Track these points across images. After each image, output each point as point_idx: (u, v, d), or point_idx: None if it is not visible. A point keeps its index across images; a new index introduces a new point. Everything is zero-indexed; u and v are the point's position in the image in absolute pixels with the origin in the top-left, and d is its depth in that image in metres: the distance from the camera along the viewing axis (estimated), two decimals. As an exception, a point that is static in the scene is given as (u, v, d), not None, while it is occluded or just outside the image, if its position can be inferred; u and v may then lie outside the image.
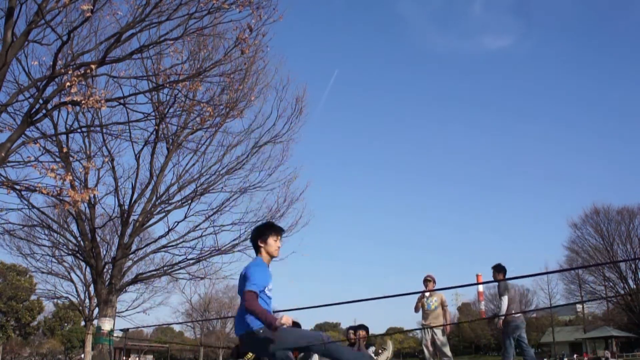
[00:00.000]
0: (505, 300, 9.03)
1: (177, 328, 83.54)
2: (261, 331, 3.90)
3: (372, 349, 9.13)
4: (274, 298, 4.16)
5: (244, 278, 4.03)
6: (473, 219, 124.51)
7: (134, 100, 10.82)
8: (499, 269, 9.35)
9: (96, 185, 14.62)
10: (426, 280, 9.64)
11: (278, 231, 4.29)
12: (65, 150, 12.78)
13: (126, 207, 14.73)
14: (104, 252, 18.00)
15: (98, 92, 9.46)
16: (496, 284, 11.18)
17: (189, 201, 14.89)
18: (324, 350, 4.01)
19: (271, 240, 4.22)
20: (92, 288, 27.20)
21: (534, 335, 68.13)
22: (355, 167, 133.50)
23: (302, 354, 8.10)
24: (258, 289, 3.93)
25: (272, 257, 4.25)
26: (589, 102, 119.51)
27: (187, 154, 15.33)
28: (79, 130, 13.65)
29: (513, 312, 8.96)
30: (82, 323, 41.94)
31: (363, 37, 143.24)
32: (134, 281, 16.17)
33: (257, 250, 4.25)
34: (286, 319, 3.78)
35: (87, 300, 32.37)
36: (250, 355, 8.22)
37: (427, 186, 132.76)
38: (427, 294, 9.52)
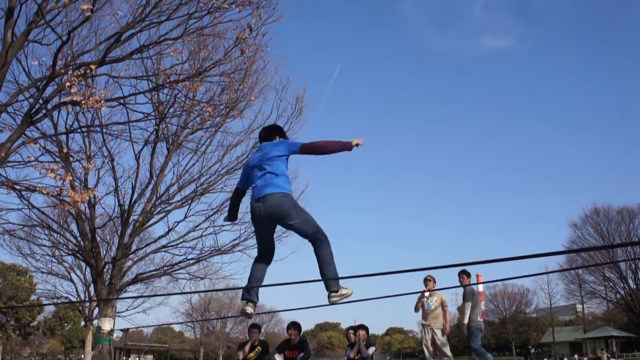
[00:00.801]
0: (468, 306, 9.39)
1: (177, 328, 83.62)
2: (292, 195, 4.10)
3: (372, 349, 9.13)
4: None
5: (282, 145, 4.20)
6: (473, 219, 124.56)
7: (134, 100, 10.82)
8: (468, 274, 9.60)
9: (96, 185, 14.64)
10: (426, 280, 9.63)
11: (285, 135, 4.53)
12: (65, 150, 12.78)
13: (126, 207, 14.73)
14: (104, 252, 18.00)
15: (98, 92, 9.47)
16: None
17: (189, 201, 14.90)
18: (323, 240, 4.07)
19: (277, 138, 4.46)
20: (92, 288, 27.21)
21: (534, 335, 68.16)
22: (355, 167, 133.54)
23: (301, 354, 8.11)
24: (300, 142, 4.22)
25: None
26: (589, 102, 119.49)
27: (187, 154, 15.36)
28: (79, 130, 13.65)
29: (478, 317, 9.42)
30: (82, 323, 41.92)
31: (363, 37, 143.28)
32: (134, 281, 16.16)
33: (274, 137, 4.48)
34: (359, 140, 4.05)
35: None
36: (255, 352, 8.24)
37: (427, 186, 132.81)
38: (427, 294, 9.51)
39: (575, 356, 56.58)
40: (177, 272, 15.91)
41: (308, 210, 4.13)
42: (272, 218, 4.01)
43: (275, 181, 4.03)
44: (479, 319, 9.45)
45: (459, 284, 9.81)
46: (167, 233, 14.87)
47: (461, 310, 10.98)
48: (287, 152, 4.16)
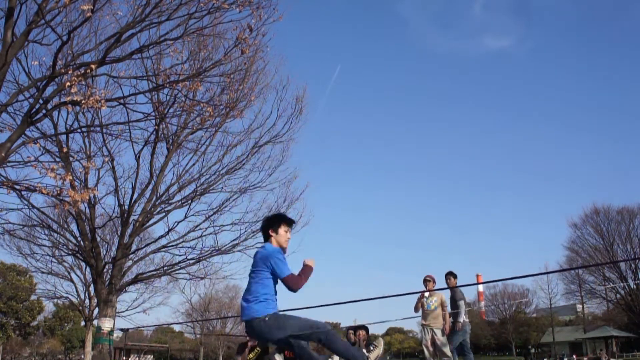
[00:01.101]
0: (463, 304, 9.49)
1: (177, 328, 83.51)
2: (267, 319, 3.98)
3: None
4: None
5: (268, 261, 4.07)
6: (473, 219, 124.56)
7: (134, 100, 10.81)
8: (455, 275, 9.78)
9: (96, 185, 14.63)
10: (426, 281, 9.64)
11: (289, 223, 4.32)
12: (65, 150, 12.77)
13: (126, 207, 14.72)
14: (104, 252, 17.99)
15: (98, 92, 9.46)
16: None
17: (189, 201, 14.89)
18: (324, 340, 4.05)
19: (282, 230, 4.24)
20: (92, 288, 27.21)
21: (534, 335, 68.09)
22: (355, 166, 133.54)
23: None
24: (289, 268, 4.10)
25: (281, 247, 4.25)
26: (589, 102, 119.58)
27: (187, 154, 15.35)
28: (79, 130, 13.65)
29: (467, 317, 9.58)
30: (82, 323, 41.90)
31: (363, 37, 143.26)
32: (134, 281, 16.16)
33: (267, 239, 4.28)
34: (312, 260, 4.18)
35: (87, 300, 32.39)
36: (254, 353, 8.23)
37: (427, 186, 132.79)
38: (426, 294, 9.53)
39: (574, 356, 56.54)
40: (177, 272, 15.90)
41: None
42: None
43: (250, 305, 4.05)
44: (467, 319, 9.63)
45: (459, 285, 9.88)
46: (167, 233, 14.87)
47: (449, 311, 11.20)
48: (268, 270, 4.07)
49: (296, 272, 4.09)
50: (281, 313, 4.08)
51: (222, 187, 15.23)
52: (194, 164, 15.22)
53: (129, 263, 16.15)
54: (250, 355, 8.23)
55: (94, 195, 14.09)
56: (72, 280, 30.92)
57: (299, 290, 4.03)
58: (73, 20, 10.88)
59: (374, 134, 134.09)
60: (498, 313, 73.23)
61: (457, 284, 9.84)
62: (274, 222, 4.28)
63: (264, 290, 4.04)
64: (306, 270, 4.11)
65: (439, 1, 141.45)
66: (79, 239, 15.10)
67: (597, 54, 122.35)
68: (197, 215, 15.10)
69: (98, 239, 15.40)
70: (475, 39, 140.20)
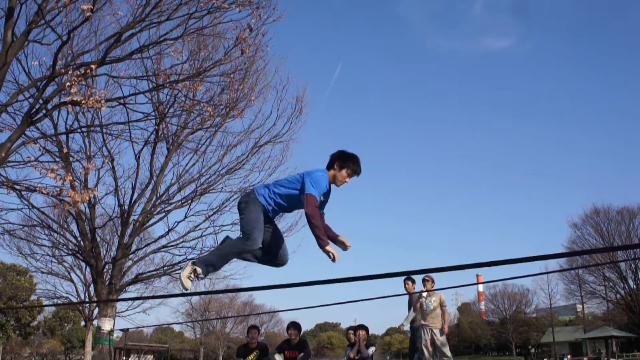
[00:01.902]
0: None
1: (177, 328, 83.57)
2: (247, 192, 4.07)
3: (372, 349, 9.14)
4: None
5: (305, 175, 3.97)
6: (473, 219, 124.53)
7: (134, 100, 10.82)
8: (413, 280, 9.81)
9: (96, 186, 14.63)
10: (424, 281, 9.64)
11: (355, 170, 4.16)
12: (65, 150, 12.77)
13: (126, 207, 14.73)
14: (104, 252, 17.99)
15: (98, 92, 9.46)
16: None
17: (189, 201, 14.89)
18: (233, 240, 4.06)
19: (344, 172, 4.11)
20: (92, 288, 27.19)
21: (534, 335, 68.10)
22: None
23: (301, 354, 8.11)
24: (318, 196, 3.91)
25: (332, 183, 4.16)
26: (588, 102, 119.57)
27: (187, 154, 15.35)
28: (79, 130, 13.65)
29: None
30: (82, 323, 41.91)
31: (364, 38, 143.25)
32: (134, 281, 16.16)
33: (329, 167, 4.17)
34: (337, 255, 3.81)
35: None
36: (254, 354, 8.24)
37: (426, 186, 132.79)
38: (424, 294, 9.52)
39: (568, 356, 56.54)
40: (177, 272, 15.89)
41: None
42: None
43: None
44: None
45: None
46: (167, 233, 14.88)
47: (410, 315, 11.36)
48: (298, 184, 3.98)
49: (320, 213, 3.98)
50: (251, 203, 3.99)
51: (222, 187, 15.25)
52: (194, 164, 15.24)
53: (129, 263, 16.16)
54: (250, 358, 8.23)
55: (94, 196, 14.10)
56: (72, 280, 30.87)
57: (309, 218, 3.82)
58: (73, 20, 10.89)
59: (373, 133, 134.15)
60: (498, 313, 73.25)
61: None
62: (344, 159, 4.12)
63: (276, 187, 4.04)
64: (321, 232, 3.82)
65: (439, 1, 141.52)
66: (79, 239, 15.10)
67: (597, 54, 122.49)
68: (197, 215, 15.13)
69: (98, 239, 15.40)
70: (475, 39, 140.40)
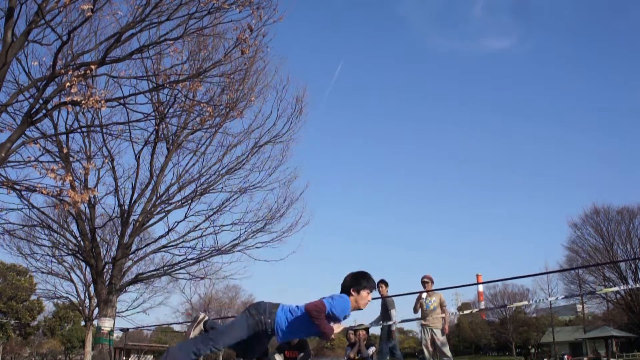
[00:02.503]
0: (394, 312, 9.75)
1: (177, 328, 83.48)
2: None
3: (372, 349, 9.15)
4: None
5: (328, 298, 3.94)
6: (473, 219, 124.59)
7: (134, 100, 10.80)
8: (386, 284, 9.99)
9: (96, 186, 14.62)
10: (424, 282, 9.66)
11: (373, 286, 4.15)
12: (65, 150, 12.77)
13: (126, 207, 14.72)
14: (104, 252, 17.99)
15: (98, 92, 9.45)
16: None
17: (189, 201, 14.89)
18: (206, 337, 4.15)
19: (364, 292, 4.05)
20: (92, 288, 27.20)
21: (534, 335, 68.11)
22: (355, 166, 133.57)
23: (301, 354, 8.11)
24: (329, 309, 3.85)
25: (357, 309, 4.10)
26: (588, 102, 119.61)
27: (187, 154, 15.34)
28: (79, 130, 13.65)
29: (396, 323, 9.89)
30: (82, 323, 41.91)
31: (364, 38, 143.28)
32: (134, 281, 16.16)
33: (347, 294, 4.09)
34: (338, 327, 3.94)
35: (87, 300, 32.38)
36: None
37: (426, 186, 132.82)
38: (424, 294, 9.54)
39: (565, 357, 56.51)
40: (177, 272, 15.90)
41: None
42: None
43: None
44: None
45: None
46: (167, 233, 14.87)
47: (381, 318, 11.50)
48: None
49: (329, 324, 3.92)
50: (250, 322, 3.97)
51: (222, 187, 15.25)
52: (194, 164, 15.23)
53: (129, 263, 16.15)
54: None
55: (94, 196, 14.09)
56: (72, 280, 30.92)
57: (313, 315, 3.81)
58: (73, 20, 10.88)
59: (373, 133, 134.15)
60: (498, 313, 73.25)
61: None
62: (359, 282, 4.07)
63: (292, 315, 3.98)
64: (327, 326, 3.84)
65: (439, 2, 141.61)
66: (79, 239, 15.10)
67: (597, 54, 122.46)
68: (197, 215, 15.12)
69: (98, 239, 15.39)
70: (475, 39, 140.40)
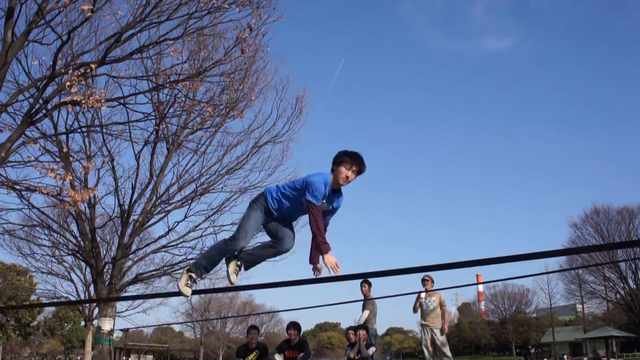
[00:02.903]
0: (365, 314, 9.66)
1: (177, 328, 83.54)
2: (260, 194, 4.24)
3: (372, 349, 9.14)
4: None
5: (304, 181, 4.03)
6: (473, 219, 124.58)
7: (134, 100, 10.81)
8: (370, 283, 9.94)
9: (96, 185, 14.63)
10: (424, 281, 9.63)
11: (353, 160, 4.13)
12: (65, 150, 12.77)
13: (126, 207, 14.72)
14: (104, 252, 17.98)
15: (98, 92, 9.45)
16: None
17: (189, 201, 14.89)
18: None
19: (342, 167, 4.08)
20: (92, 288, 27.17)
21: (534, 335, 68.07)
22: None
23: (301, 354, 8.10)
24: (318, 202, 3.95)
25: (337, 185, 4.13)
26: (588, 103, 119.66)
27: (187, 154, 15.35)
28: (79, 130, 13.65)
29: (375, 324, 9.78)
30: (82, 323, 41.89)
31: (364, 38, 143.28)
32: (134, 281, 16.15)
33: (332, 170, 4.18)
34: (337, 269, 3.88)
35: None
36: (254, 354, 8.24)
37: (426, 185, 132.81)
38: (423, 294, 9.52)
39: (565, 357, 56.47)
40: (177, 272, 15.89)
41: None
42: None
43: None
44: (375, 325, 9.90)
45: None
46: (167, 233, 14.88)
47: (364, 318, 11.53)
48: (300, 189, 4.04)
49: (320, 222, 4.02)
50: (255, 206, 4.15)
51: (222, 187, 15.26)
52: (194, 164, 15.24)
53: (129, 263, 16.15)
54: (249, 358, 8.23)
55: (94, 195, 14.09)
56: (72, 280, 30.82)
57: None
58: (73, 20, 10.89)
59: (373, 133, 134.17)
60: (498, 313, 73.21)
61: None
62: (340, 156, 4.14)
63: (284, 188, 4.13)
64: (323, 241, 3.94)
65: (439, 3, 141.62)
66: (79, 239, 15.10)
67: (596, 55, 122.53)
68: (197, 215, 15.13)
69: (98, 239, 15.40)
70: (475, 40, 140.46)
